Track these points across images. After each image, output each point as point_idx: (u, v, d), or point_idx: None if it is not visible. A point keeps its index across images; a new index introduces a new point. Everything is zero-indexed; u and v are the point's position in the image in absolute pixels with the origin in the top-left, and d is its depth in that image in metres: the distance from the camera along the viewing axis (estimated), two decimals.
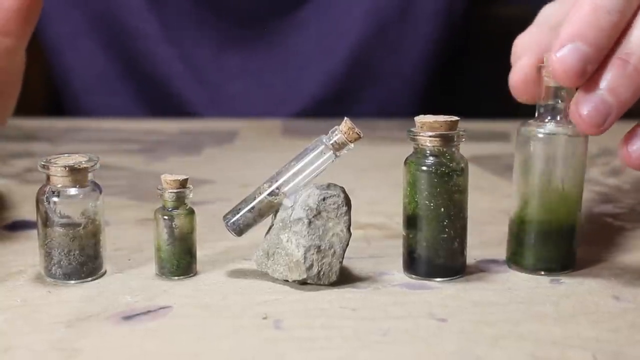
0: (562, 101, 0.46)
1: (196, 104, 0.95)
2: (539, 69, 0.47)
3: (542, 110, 0.47)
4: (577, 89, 0.44)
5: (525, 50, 0.50)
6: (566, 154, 0.46)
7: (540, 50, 0.48)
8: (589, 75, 0.43)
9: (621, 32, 0.44)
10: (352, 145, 0.46)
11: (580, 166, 0.47)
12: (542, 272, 0.48)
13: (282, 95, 0.94)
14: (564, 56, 0.43)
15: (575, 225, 0.48)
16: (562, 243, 0.48)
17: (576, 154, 0.47)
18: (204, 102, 0.95)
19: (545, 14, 0.52)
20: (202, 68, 0.94)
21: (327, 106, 0.93)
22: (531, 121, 0.47)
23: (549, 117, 0.47)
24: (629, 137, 0.44)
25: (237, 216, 0.46)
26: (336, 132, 0.46)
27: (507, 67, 0.51)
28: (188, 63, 0.94)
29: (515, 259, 0.48)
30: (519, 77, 0.49)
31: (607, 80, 0.43)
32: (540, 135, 0.46)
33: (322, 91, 0.94)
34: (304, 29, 0.93)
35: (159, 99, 0.96)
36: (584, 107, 0.43)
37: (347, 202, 0.46)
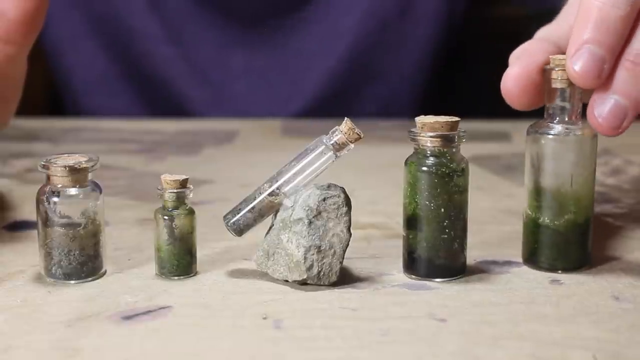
0: (570, 101, 0.46)
1: (198, 104, 0.95)
2: (545, 71, 0.47)
3: (550, 111, 0.47)
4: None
5: (517, 58, 0.49)
6: (576, 154, 0.46)
7: (533, 58, 0.48)
8: (606, 75, 0.44)
9: (630, 31, 0.44)
10: (352, 145, 0.46)
11: (590, 165, 0.47)
12: (559, 271, 0.48)
13: (283, 94, 0.94)
14: (580, 59, 0.44)
15: (589, 223, 0.48)
16: (577, 242, 0.48)
17: (586, 153, 0.47)
18: (206, 102, 0.95)
19: (541, 32, 0.52)
20: (204, 68, 0.94)
21: (328, 105, 0.93)
22: (540, 122, 0.47)
23: (558, 118, 0.47)
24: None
25: (237, 216, 0.46)
26: (336, 132, 0.46)
27: (507, 67, 0.51)
28: (189, 63, 0.94)
29: (531, 259, 0.48)
30: (513, 83, 0.49)
31: (619, 83, 0.44)
32: (550, 136, 0.47)
33: (323, 90, 0.94)
34: (305, 29, 0.93)
35: (160, 100, 0.95)
36: (601, 111, 0.44)
37: (348, 202, 0.46)
